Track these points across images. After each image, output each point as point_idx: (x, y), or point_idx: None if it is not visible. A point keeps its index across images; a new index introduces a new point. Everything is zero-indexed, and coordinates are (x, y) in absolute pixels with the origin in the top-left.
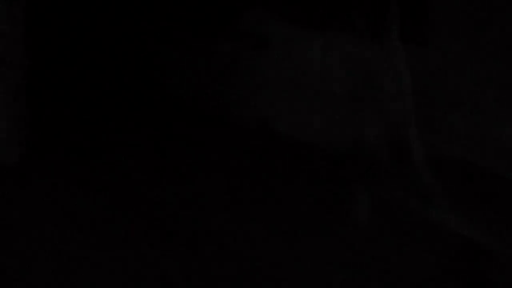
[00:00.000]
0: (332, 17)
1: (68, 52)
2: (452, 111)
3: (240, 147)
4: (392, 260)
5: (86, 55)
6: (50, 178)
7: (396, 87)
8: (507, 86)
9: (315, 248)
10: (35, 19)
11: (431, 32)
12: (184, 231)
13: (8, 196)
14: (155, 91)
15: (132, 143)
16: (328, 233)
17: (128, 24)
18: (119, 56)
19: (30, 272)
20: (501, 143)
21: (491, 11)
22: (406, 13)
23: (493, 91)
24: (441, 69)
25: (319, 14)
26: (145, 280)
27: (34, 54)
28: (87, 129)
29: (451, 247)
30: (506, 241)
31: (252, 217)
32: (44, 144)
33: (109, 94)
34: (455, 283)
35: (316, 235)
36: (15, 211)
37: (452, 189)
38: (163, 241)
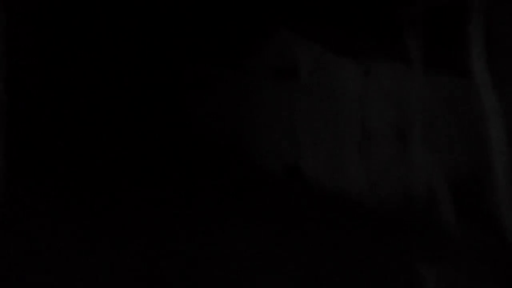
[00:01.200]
0: (376, 43)
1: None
2: None
3: (264, 198)
4: None
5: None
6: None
7: (460, 126)
8: None
9: None
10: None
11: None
12: None
13: None
14: (175, 126)
15: (146, 188)
16: None
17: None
18: (137, 94)
19: None
20: None
21: None
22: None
23: None
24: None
25: (359, 39)
26: None
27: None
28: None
29: None
30: None
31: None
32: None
33: (124, 131)
34: None
35: None
36: None
37: None
38: None
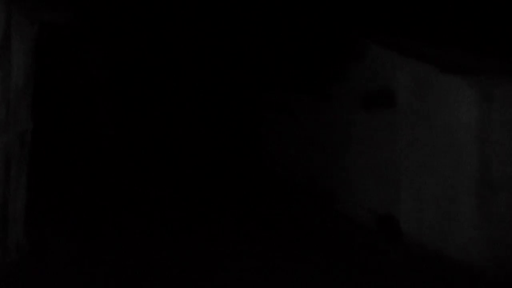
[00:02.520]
0: (500, 61)
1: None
2: None
3: (351, 254)
4: None
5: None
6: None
7: None
8: None
9: None
10: None
11: None
12: None
13: None
14: (249, 159)
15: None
16: None
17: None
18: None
19: None
20: None
21: None
22: None
23: None
24: None
25: (477, 56)
26: None
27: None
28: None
29: None
30: None
31: None
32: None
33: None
34: None
35: None
36: None
37: None
38: None
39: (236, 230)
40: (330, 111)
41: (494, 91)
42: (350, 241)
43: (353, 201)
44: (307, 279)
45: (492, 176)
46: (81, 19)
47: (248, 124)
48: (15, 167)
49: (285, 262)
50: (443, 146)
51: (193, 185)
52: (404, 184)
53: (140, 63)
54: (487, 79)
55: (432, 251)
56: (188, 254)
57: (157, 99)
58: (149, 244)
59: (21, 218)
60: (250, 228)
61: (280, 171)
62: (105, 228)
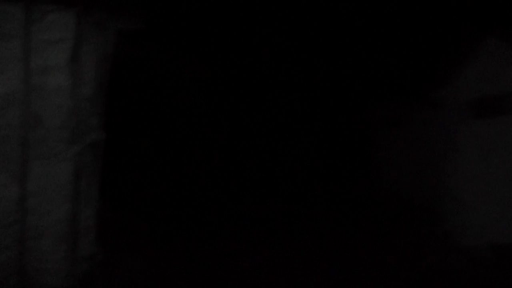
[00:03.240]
0: None
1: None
2: None
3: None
4: None
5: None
6: None
7: None
8: None
9: None
10: None
11: None
12: None
13: None
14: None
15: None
16: None
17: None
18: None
19: None
20: None
21: None
22: None
23: None
24: None
25: None
26: None
27: None
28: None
29: None
30: None
31: None
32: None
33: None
34: None
35: None
36: None
37: None
38: None
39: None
40: (438, 120)
41: None
42: (463, 270)
43: (464, 225)
44: None
45: None
46: (155, 24)
47: (354, 137)
48: (86, 178)
49: None
50: None
51: (299, 199)
52: None
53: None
54: None
55: None
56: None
57: (257, 109)
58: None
59: (93, 228)
60: (348, 246)
61: (386, 185)
62: (194, 242)
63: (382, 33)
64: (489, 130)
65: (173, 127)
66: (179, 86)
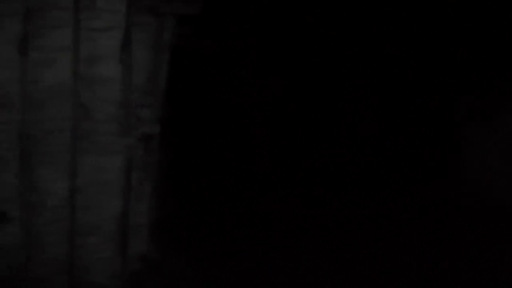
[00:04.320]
0: None
1: None
2: None
3: None
4: None
5: None
6: None
7: None
8: None
9: None
10: None
11: None
12: None
13: None
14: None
15: None
16: None
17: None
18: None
19: None
20: None
21: None
22: None
23: None
24: None
25: None
26: None
27: None
28: None
29: None
30: None
31: None
32: None
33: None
34: None
35: None
36: None
37: None
38: None
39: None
40: None
41: None
42: None
43: None
44: None
45: None
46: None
47: (439, 133)
48: (137, 174)
49: None
50: None
51: (377, 203)
52: None
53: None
54: None
55: None
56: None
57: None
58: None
59: (145, 227)
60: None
61: (478, 190)
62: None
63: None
64: None
65: (237, 122)
66: (245, 77)
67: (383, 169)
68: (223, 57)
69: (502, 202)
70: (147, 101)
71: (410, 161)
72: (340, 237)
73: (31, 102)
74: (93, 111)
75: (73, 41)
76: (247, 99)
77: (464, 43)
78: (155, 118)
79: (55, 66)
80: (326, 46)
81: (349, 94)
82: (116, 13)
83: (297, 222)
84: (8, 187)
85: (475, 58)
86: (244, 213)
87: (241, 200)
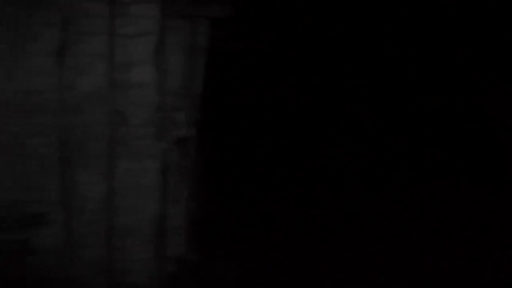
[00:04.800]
0: None
1: None
2: None
3: None
4: None
5: None
6: None
7: None
8: None
9: None
10: None
11: None
12: None
13: None
14: None
15: None
16: None
17: None
18: None
19: None
20: None
21: None
22: None
23: None
24: None
25: None
26: None
27: None
28: None
29: None
30: None
31: None
32: None
33: None
34: None
35: None
36: None
37: None
38: None
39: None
40: None
41: None
42: None
43: None
44: None
45: None
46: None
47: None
48: (174, 177)
49: None
50: None
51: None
52: None
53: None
54: None
55: None
56: None
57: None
58: None
59: (183, 230)
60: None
61: None
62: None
63: None
64: None
65: (276, 124)
66: (282, 78)
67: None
68: (256, 59)
69: None
70: (182, 104)
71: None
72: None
73: (69, 108)
74: (129, 116)
75: (108, 47)
76: (280, 100)
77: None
78: (190, 121)
79: (91, 72)
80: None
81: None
82: (149, 19)
83: (342, 223)
84: (49, 190)
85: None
86: (280, 214)
87: (277, 201)
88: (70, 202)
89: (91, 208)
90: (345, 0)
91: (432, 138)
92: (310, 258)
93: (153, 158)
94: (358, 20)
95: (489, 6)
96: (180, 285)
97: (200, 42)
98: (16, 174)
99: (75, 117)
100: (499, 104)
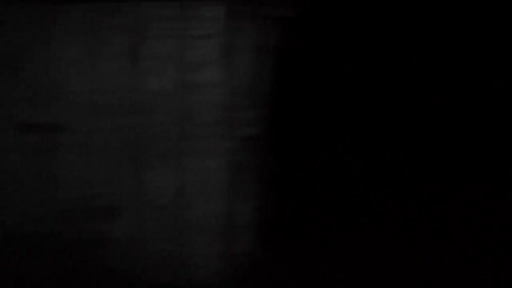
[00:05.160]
0: None
1: None
2: None
3: None
4: None
5: None
6: None
7: None
8: None
9: None
10: None
11: None
12: None
13: None
14: None
15: None
16: None
17: None
18: None
19: None
20: None
21: None
22: None
23: None
24: None
25: None
26: None
27: None
28: None
29: None
30: None
31: None
32: None
33: None
34: None
35: None
36: None
37: None
38: None
39: None
40: None
41: None
42: None
43: None
44: None
45: None
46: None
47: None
48: (242, 175)
49: None
50: None
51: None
52: None
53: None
54: None
55: None
56: None
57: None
58: None
59: (251, 227)
60: None
61: None
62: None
63: None
64: None
65: (345, 123)
66: (351, 77)
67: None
68: (324, 58)
69: None
70: (250, 103)
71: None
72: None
73: (140, 107)
74: (197, 115)
75: (177, 49)
76: (348, 99)
77: None
78: (258, 120)
79: (161, 73)
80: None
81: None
82: (218, 20)
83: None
84: (120, 185)
85: None
86: (352, 215)
87: (351, 202)
88: (140, 197)
89: (160, 203)
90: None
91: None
92: (383, 259)
93: (221, 156)
94: (424, 19)
95: None
96: (249, 283)
97: (268, 42)
98: (89, 170)
99: (145, 117)
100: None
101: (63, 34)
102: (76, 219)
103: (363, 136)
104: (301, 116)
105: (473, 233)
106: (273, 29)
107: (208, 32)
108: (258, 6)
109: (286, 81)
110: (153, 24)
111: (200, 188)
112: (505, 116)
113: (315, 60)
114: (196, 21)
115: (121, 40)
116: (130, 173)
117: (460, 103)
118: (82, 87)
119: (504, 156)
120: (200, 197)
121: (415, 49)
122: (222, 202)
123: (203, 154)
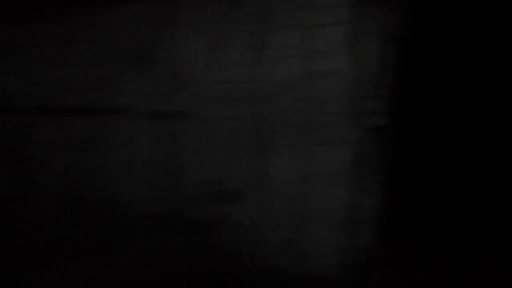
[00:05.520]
0: None
1: None
2: None
3: None
4: None
5: None
6: None
7: None
8: None
9: None
10: None
11: None
12: None
13: None
14: None
15: None
16: None
17: None
18: None
19: None
20: None
21: None
22: None
23: None
24: None
25: None
26: None
27: None
28: None
29: None
30: None
31: None
32: None
33: None
34: None
35: None
36: None
37: None
38: None
39: None
40: None
41: None
42: None
43: None
44: None
45: None
46: None
47: None
48: (366, 166)
49: None
50: None
51: None
52: None
53: None
54: None
55: None
56: None
57: None
58: None
59: (374, 220)
60: None
61: None
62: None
63: None
64: None
65: (469, 115)
66: (476, 70)
67: None
68: (452, 49)
69: None
70: (376, 93)
71: None
72: None
73: (263, 96)
74: (322, 104)
75: (302, 38)
76: (476, 91)
77: None
78: (384, 110)
79: (286, 63)
80: None
81: None
82: (342, 8)
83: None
84: (244, 171)
85: None
86: (476, 211)
87: (473, 197)
88: (264, 184)
89: (283, 191)
90: None
91: None
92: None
93: (346, 146)
94: None
95: None
96: (368, 275)
97: (394, 30)
98: (215, 157)
99: (270, 106)
100: None
101: (190, 26)
102: (201, 202)
103: (490, 131)
104: (426, 107)
105: None
106: (400, 17)
107: (334, 20)
108: None
109: (413, 71)
110: (277, 14)
111: (323, 178)
112: None
113: (442, 50)
114: (322, 9)
115: (245, 31)
116: (254, 161)
117: None
118: (209, 77)
119: None
120: (324, 187)
121: None
122: (346, 193)
123: (327, 144)
